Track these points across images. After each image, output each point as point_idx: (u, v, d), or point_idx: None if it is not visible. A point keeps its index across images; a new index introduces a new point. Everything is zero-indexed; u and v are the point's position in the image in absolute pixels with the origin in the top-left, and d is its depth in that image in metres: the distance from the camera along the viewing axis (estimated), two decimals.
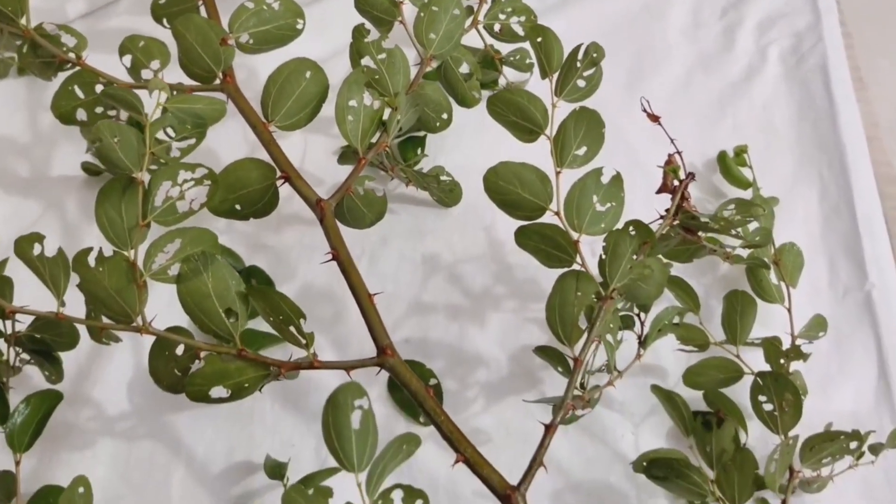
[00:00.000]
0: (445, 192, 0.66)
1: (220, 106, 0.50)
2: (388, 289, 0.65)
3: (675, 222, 0.55)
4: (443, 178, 0.65)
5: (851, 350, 0.66)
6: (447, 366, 0.63)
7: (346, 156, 0.67)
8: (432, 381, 0.61)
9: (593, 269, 0.52)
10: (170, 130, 0.58)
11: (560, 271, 0.52)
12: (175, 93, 0.50)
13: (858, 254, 0.69)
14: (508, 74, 0.74)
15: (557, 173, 0.52)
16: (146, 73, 0.56)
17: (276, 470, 0.54)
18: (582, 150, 0.52)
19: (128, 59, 0.56)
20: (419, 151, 0.70)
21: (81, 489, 0.43)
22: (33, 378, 0.58)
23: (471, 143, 0.71)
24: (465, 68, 0.62)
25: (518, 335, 0.64)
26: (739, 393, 0.60)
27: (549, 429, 0.48)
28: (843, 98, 0.76)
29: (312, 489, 0.39)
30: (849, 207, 0.71)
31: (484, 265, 0.67)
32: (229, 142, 0.69)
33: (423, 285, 0.66)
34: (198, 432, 0.59)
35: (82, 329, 0.52)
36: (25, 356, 0.55)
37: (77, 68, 0.56)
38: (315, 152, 0.71)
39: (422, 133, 0.71)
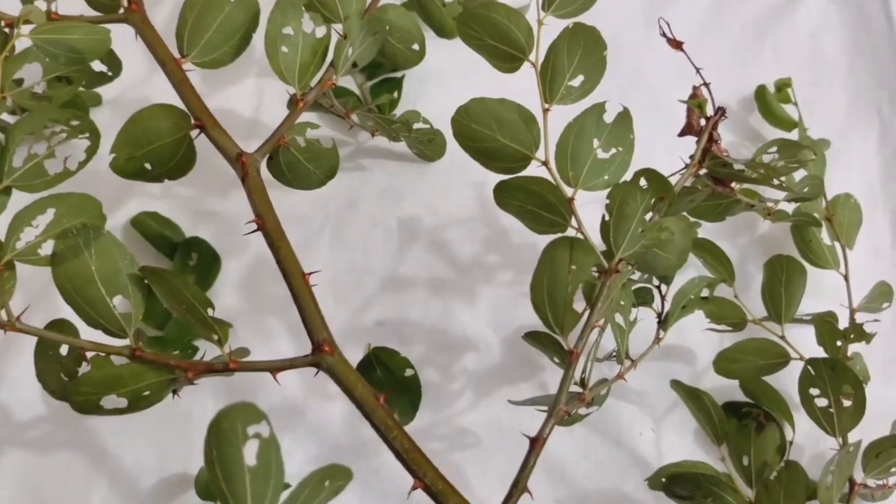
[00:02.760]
0: (424, 143, 0.55)
1: (102, 35, 0.39)
2: (356, 261, 0.56)
3: (702, 171, 0.44)
4: (417, 125, 0.54)
5: None
6: (428, 353, 0.54)
7: (292, 101, 0.56)
8: (408, 372, 0.51)
9: (595, 235, 0.41)
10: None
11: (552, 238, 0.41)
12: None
13: None
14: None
15: (546, 111, 0.40)
16: (41, 4, 0.45)
17: (209, 488, 0.44)
18: (577, 81, 0.41)
19: None
20: (395, 95, 0.59)
21: None
22: None
23: (457, 86, 0.60)
24: None
25: (513, 314, 0.55)
26: (784, 381, 0.50)
27: (535, 443, 0.37)
28: None
29: None
30: None
31: (473, 230, 0.57)
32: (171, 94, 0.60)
33: (400, 256, 0.57)
34: (125, 440, 0.50)
35: None
36: None
37: None
38: (271, 101, 0.60)
39: (399, 74, 0.60)
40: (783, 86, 0.61)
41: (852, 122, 0.62)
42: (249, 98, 0.60)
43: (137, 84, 0.58)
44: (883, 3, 0.66)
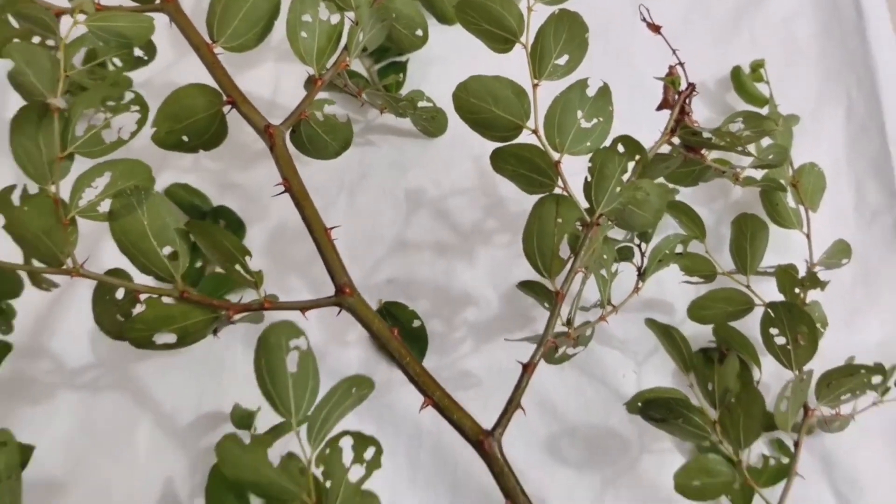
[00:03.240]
0: (428, 120, 0.61)
1: (147, 23, 0.45)
2: (367, 227, 0.61)
3: (676, 140, 0.49)
4: (422, 103, 0.59)
5: (880, 279, 0.61)
6: (433, 306, 0.59)
7: (310, 82, 0.61)
8: (415, 323, 0.57)
9: (579, 195, 0.46)
10: (117, 61, 0.54)
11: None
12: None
13: (888, 175, 0.64)
14: None
15: (535, 86, 0.46)
16: None
17: (243, 419, 0.51)
18: (563, 59, 0.46)
19: None
20: (400, 77, 0.64)
21: (4, 443, 0.39)
22: None
23: (459, 69, 0.65)
24: None
25: (510, 272, 0.59)
26: (753, 328, 0.54)
27: (527, 368, 0.43)
28: (872, 8, 0.70)
29: (251, 439, 0.35)
30: (878, 127, 0.66)
31: (473, 198, 0.62)
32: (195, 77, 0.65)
33: (407, 222, 0.62)
34: (166, 382, 0.56)
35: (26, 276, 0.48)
36: None
37: None
38: (287, 84, 0.66)
39: (403, 58, 0.65)
40: (757, 67, 0.66)
41: (822, 101, 0.66)
42: (268, 81, 0.65)
43: (164, 69, 0.63)
44: None
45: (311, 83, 0.50)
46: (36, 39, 0.51)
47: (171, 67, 0.64)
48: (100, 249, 0.54)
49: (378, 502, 0.37)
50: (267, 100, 0.65)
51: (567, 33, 0.46)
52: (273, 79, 0.66)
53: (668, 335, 0.50)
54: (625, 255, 0.54)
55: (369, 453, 0.36)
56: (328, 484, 0.36)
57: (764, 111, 0.64)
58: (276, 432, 0.47)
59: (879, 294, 0.60)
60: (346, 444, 0.36)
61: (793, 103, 0.65)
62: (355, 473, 0.37)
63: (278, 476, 0.35)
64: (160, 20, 0.50)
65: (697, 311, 0.54)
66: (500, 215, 0.62)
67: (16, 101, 0.45)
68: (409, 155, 0.63)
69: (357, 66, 0.65)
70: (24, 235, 0.42)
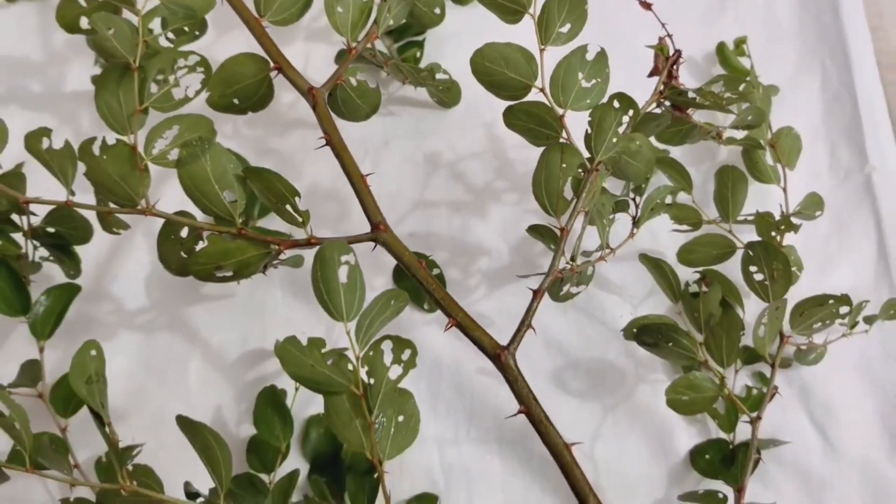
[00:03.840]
0: (443, 91, 0.67)
1: None
2: (391, 188, 0.67)
3: (665, 102, 0.56)
4: (439, 75, 0.66)
5: (851, 231, 0.67)
6: (450, 256, 0.65)
7: (341, 55, 0.68)
8: (435, 271, 0.63)
9: (581, 146, 0.53)
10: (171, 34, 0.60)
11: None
12: None
13: (859, 138, 0.69)
14: None
15: (542, 51, 0.53)
16: None
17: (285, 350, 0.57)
18: (566, 28, 0.53)
19: None
20: (418, 54, 0.71)
21: (93, 352, 0.46)
22: (55, 277, 0.61)
23: (470, 47, 0.71)
24: None
25: (518, 226, 0.65)
26: (735, 270, 0.60)
27: (536, 293, 0.50)
28: None
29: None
30: (850, 94, 0.71)
31: (485, 161, 0.68)
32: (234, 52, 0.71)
33: (426, 183, 0.68)
34: (213, 324, 0.62)
35: (96, 224, 0.55)
36: (44, 252, 0.58)
37: None
38: (316, 60, 0.72)
39: (420, 37, 0.72)
40: (740, 42, 0.72)
41: (800, 72, 0.72)
42: (299, 57, 0.70)
43: (208, 46, 0.69)
44: None
45: (345, 53, 0.56)
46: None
47: (214, 44, 0.70)
48: (161, 195, 0.60)
49: (412, 398, 0.44)
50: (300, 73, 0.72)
51: (569, 5, 0.53)
52: (304, 56, 0.72)
53: (658, 268, 0.57)
54: (621, 206, 0.60)
55: (406, 355, 0.43)
56: (371, 381, 0.43)
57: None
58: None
59: (851, 244, 0.66)
60: (387, 347, 0.43)
61: (773, 75, 0.71)
62: (394, 372, 0.43)
63: (331, 372, 0.41)
64: None
65: (686, 254, 0.60)
66: (509, 176, 0.68)
67: (74, 75, 0.51)
68: (426, 123, 0.70)
69: (379, 46, 0.71)
70: (104, 180, 0.48)
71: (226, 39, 0.69)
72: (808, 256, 0.63)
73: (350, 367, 0.42)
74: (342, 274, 0.41)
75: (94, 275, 0.62)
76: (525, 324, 0.49)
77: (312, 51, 0.72)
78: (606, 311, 0.63)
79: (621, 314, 0.63)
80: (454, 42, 0.72)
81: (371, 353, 0.43)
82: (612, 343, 0.62)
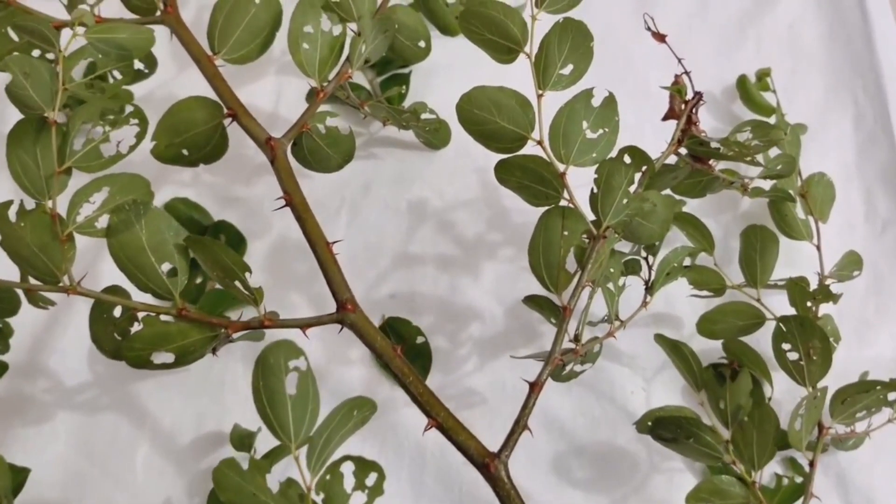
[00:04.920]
0: (431, 132, 0.60)
1: (147, 35, 0.44)
2: (370, 240, 0.60)
3: (683, 150, 0.48)
4: (425, 115, 0.58)
5: (891, 290, 0.60)
6: (437, 322, 0.58)
7: (312, 93, 0.60)
8: (419, 340, 0.56)
9: (585, 208, 0.45)
10: (117, 73, 0.53)
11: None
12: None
13: None
14: None
15: (540, 96, 0.45)
16: (85, 8, 0.50)
17: (243, 440, 0.49)
18: (568, 69, 0.45)
19: None
20: (403, 89, 0.64)
21: None
22: None
23: (462, 80, 0.64)
24: None
25: (515, 286, 0.59)
26: (764, 342, 0.54)
27: (534, 387, 0.42)
28: (878, 12, 0.69)
29: (249, 464, 0.34)
30: (887, 134, 0.65)
31: (477, 211, 0.61)
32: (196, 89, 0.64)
33: (410, 235, 0.61)
34: (165, 402, 0.55)
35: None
36: None
37: (8, 8, 0.50)
38: (289, 95, 0.65)
39: (406, 70, 0.65)
40: (763, 75, 0.65)
41: (829, 108, 0.66)
42: (270, 93, 0.64)
43: (165, 82, 0.63)
44: None
45: (313, 95, 0.49)
46: (35, 53, 0.51)
47: (173, 80, 0.63)
48: (98, 266, 0.53)
49: None
50: (269, 112, 0.65)
51: (571, 42, 0.45)
52: (275, 91, 0.65)
53: (677, 351, 0.49)
54: (632, 268, 0.53)
55: (371, 479, 0.35)
56: None
57: (771, 120, 0.64)
58: (274, 456, 0.46)
59: (891, 306, 0.59)
60: (348, 469, 0.35)
61: (800, 111, 0.65)
62: (357, 500, 0.35)
63: (277, 503, 0.34)
64: (161, 32, 0.49)
65: (707, 325, 0.53)
66: (505, 228, 0.61)
67: (13, 115, 0.45)
68: (412, 167, 0.63)
69: (359, 78, 0.64)
70: (21, 252, 0.41)
71: (188, 74, 0.62)
72: (844, 321, 0.57)
73: (301, 496, 0.34)
74: (290, 384, 0.33)
75: (29, 347, 0.55)
76: (520, 425, 0.41)
77: (285, 85, 0.65)
78: (616, 385, 0.56)
79: (632, 390, 0.56)
80: (443, 74, 0.65)
81: (328, 478, 0.35)
82: (621, 425, 0.54)
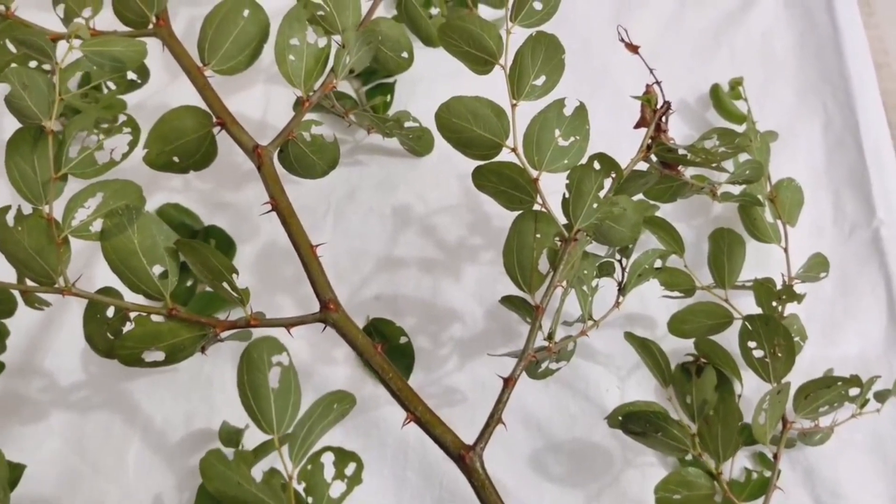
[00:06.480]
0: (414, 140, 0.62)
1: (140, 47, 0.46)
2: (355, 244, 0.62)
3: (652, 157, 0.50)
4: (408, 123, 0.60)
5: (858, 292, 0.62)
6: (419, 323, 0.60)
7: (298, 102, 0.63)
8: (402, 340, 0.58)
9: (558, 212, 0.48)
10: (112, 84, 0.55)
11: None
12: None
13: (866, 188, 0.65)
14: (482, 12, 0.69)
15: (514, 106, 0.47)
16: (81, 21, 0.52)
17: (231, 437, 0.51)
18: (540, 80, 0.47)
19: (61, 8, 0.53)
20: (388, 98, 0.66)
21: None
22: None
23: (445, 89, 0.66)
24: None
25: (495, 288, 0.60)
26: (733, 341, 0.55)
27: (508, 382, 0.44)
28: (848, 23, 0.71)
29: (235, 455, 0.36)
30: (855, 140, 0.67)
31: (459, 216, 0.63)
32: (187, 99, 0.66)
33: (394, 239, 0.62)
34: (155, 400, 0.56)
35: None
36: None
37: (6, 21, 0.52)
38: (277, 104, 0.67)
39: (391, 79, 0.67)
40: (735, 84, 0.67)
41: (799, 115, 0.67)
42: (258, 103, 0.66)
43: (158, 91, 0.65)
44: (828, 7, 0.71)
45: (298, 104, 0.51)
46: (32, 64, 0.53)
47: (165, 90, 0.65)
48: (92, 269, 0.55)
49: None
50: (258, 120, 0.66)
51: (544, 55, 0.47)
52: (263, 100, 0.67)
53: (646, 349, 0.51)
54: (605, 270, 0.54)
55: (350, 469, 0.37)
56: (310, 500, 0.37)
57: (742, 128, 0.66)
58: (261, 450, 0.48)
59: (858, 307, 0.61)
60: (328, 459, 0.37)
61: (771, 118, 0.67)
62: (337, 489, 0.37)
63: (260, 491, 0.36)
64: (153, 44, 0.51)
65: (678, 325, 0.55)
66: (485, 232, 0.63)
67: (11, 124, 0.47)
68: (396, 174, 0.64)
69: (346, 87, 0.66)
70: (18, 255, 0.43)
71: (180, 83, 0.64)
72: (812, 321, 0.58)
73: (283, 485, 0.36)
74: (273, 378, 0.35)
75: (25, 348, 0.57)
76: (494, 418, 0.43)
77: (273, 94, 0.67)
78: (591, 383, 0.57)
79: (607, 387, 0.57)
80: (427, 83, 0.67)
81: (309, 468, 0.37)
82: (596, 422, 0.56)
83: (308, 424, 0.37)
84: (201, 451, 0.54)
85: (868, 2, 0.74)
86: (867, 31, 0.72)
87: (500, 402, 0.43)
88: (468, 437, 0.45)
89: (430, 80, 0.66)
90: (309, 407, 0.37)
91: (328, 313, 0.44)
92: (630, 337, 0.53)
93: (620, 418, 0.48)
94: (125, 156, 0.44)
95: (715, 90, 0.67)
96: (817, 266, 0.58)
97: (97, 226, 0.43)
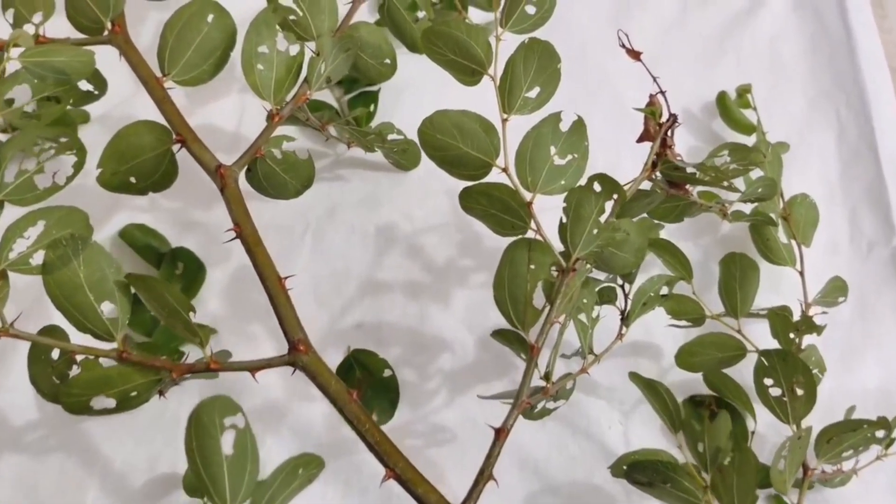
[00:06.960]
0: (399, 153, 0.57)
1: (87, 57, 0.41)
2: (336, 266, 0.58)
3: (656, 174, 0.46)
4: (392, 136, 0.56)
5: (878, 315, 0.58)
6: (405, 354, 0.55)
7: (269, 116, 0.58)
8: (386, 373, 0.53)
9: (554, 238, 0.43)
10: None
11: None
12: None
13: (884, 202, 0.61)
14: (473, 15, 0.64)
15: (504, 121, 0.43)
16: (29, 28, 0.48)
17: (196, 486, 0.46)
18: (534, 92, 0.43)
19: (10, 13, 0.48)
20: (371, 108, 0.61)
21: None
22: None
23: (433, 97, 0.62)
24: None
25: (487, 314, 0.56)
26: (746, 373, 0.51)
27: (500, 433, 0.40)
28: (861, 26, 0.68)
29: None
30: (871, 151, 0.63)
31: (447, 235, 0.59)
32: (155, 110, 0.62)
33: (378, 261, 0.58)
34: (115, 442, 0.52)
35: None
36: None
37: None
38: (252, 114, 0.62)
39: (375, 87, 0.62)
40: (743, 92, 0.63)
41: (811, 125, 0.64)
42: (232, 113, 0.62)
43: (124, 101, 0.60)
44: (840, 10, 0.68)
45: (269, 118, 0.47)
46: None
47: (132, 99, 0.60)
48: (40, 304, 0.50)
49: None
50: (231, 131, 0.62)
51: (538, 64, 0.43)
52: (237, 109, 0.63)
53: (653, 390, 0.47)
54: (607, 297, 0.50)
55: None
56: None
57: (751, 139, 0.61)
58: None
59: (878, 332, 0.57)
60: None
61: (781, 127, 0.63)
62: None
63: None
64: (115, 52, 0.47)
65: (686, 357, 0.50)
66: (476, 253, 0.58)
67: None
68: (380, 190, 0.60)
69: (327, 96, 0.62)
70: None
71: (143, 94, 0.59)
72: (829, 348, 0.54)
73: None
74: (226, 443, 0.31)
75: None
76: (484, 475, 0.39)
77: (248, 104, 0.63)
78: (591, 421, 0.53)
79: (609, 425, 0.53)
80: (414, 91, 0.63)
81: None
82: (598, 463, 0.52)
83: (268, 494, 0.32)
84: (165, 498, 0.51)
85: (881, 3, 0.71)
86: (881, 34, 0.68)
87: (491, 458, 0.39)
88: (457, 483, 0.41)
89: (418, 88, 0.62)
90: (270, 474, 0.32)
91: (298, 355, 0.40)
92: (635, 378, 0.48)
93: (625, 468, 0.44)
94: (69, 179, 0.40)
95: (721, 98, 0.63)
96: (836, 290, 0.54)
97: (39, 258, 0.39)
